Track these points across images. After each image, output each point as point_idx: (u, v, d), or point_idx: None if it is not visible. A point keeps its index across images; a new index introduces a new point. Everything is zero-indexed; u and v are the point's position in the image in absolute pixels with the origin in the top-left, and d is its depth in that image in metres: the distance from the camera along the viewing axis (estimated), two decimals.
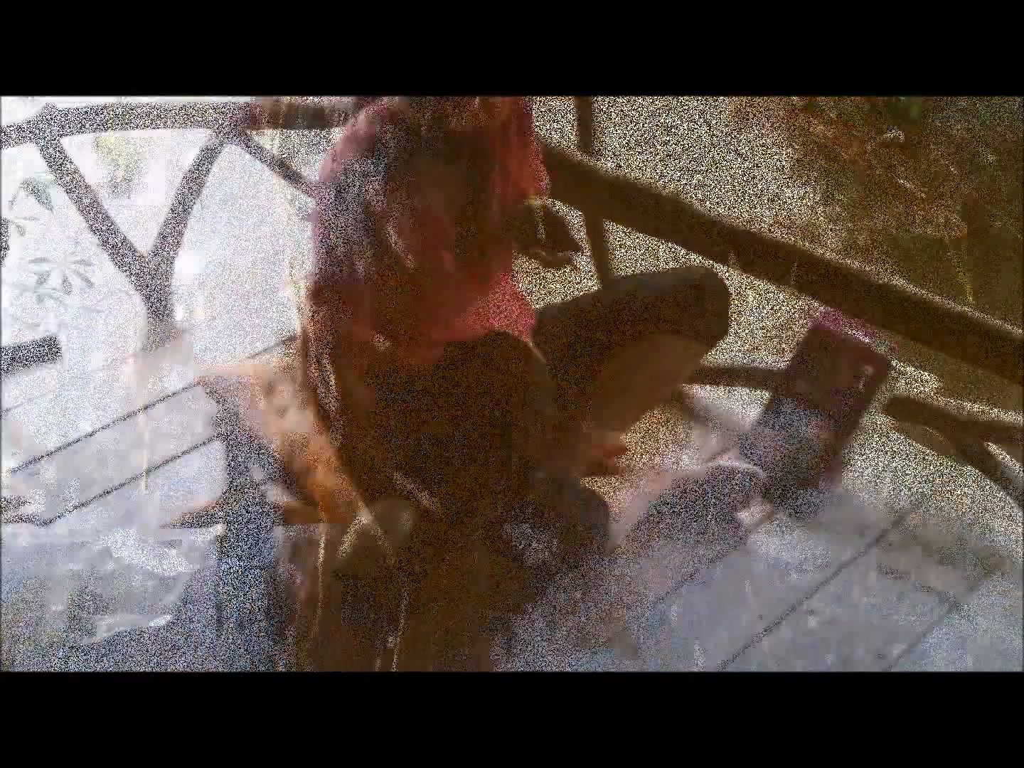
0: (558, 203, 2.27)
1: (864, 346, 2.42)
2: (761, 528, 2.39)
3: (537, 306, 2.47)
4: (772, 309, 2.98)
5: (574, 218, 2.68)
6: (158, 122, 2.78)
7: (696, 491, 2.38)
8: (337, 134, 2.07)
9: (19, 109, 2.75)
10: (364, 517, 1.95)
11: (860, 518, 2.42)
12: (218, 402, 2.59)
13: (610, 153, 5.54)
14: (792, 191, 5.53)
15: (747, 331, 2.90)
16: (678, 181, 5.15)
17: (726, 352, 2.61)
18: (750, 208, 5.28)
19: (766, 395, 2.53)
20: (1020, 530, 2.38)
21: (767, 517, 2.42)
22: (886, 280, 2.22)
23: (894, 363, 2.40)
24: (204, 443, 2.55)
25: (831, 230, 5.33)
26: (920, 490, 2.50)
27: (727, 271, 2.39)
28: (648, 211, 2.43)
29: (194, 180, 2.81)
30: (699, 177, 5.46)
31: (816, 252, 2.29)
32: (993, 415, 2.35)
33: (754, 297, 2.93)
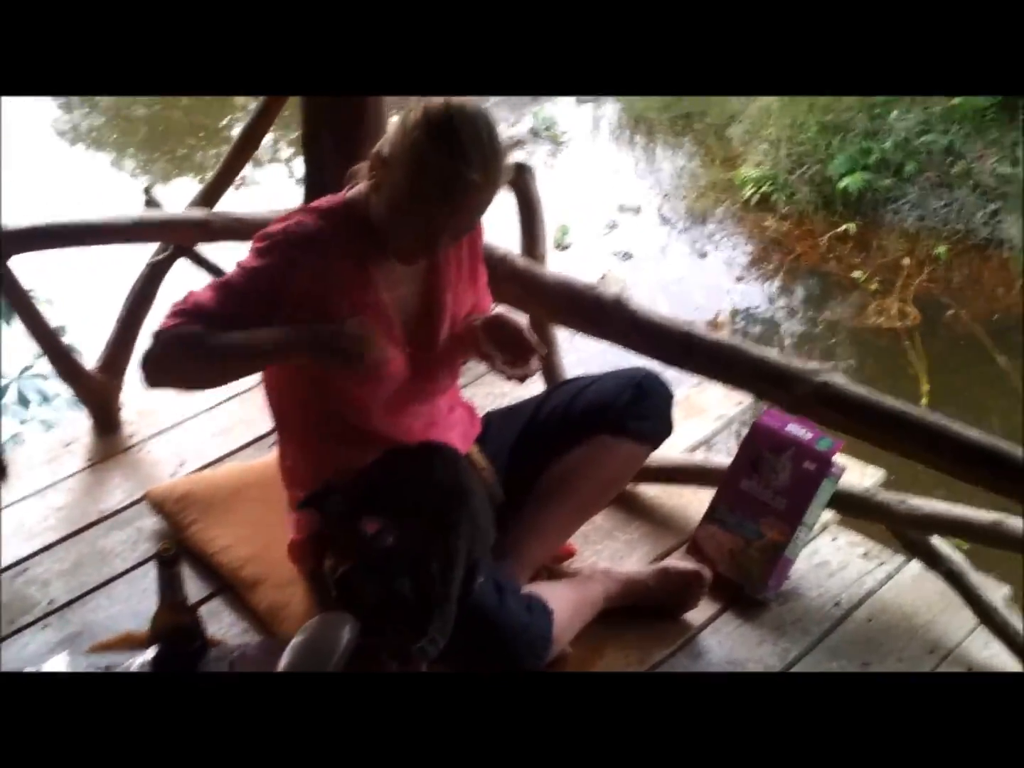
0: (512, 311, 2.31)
1: (806, 443, 2.44)
2: (709, 628, 2.40)
3: (484, 411, 2.51)
4: (716, 407, 3.00)
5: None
6: (109, 238, 2.80)
7: (643, 593, 2.38)
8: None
9: None
10: (303, 633, 1.94)
11: (808, 615, 2.43)
12: (165, 518, 2.59)
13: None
14: (748, 287, 5.64)
15: (690, 429, 2.91)
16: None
17: (670, 450, 2.62)
18: (710, 302, 5.40)
19: (711, 493, 2.55)
20: (969, 624, 2.39)
21: (715, 617, 2.42)
22: (827, 379, 2.24)
23: (836, 459, 2.42)
24: (147, 561, 2.54)
25: (787, 321, 5.42)
26: (866, 585, 2.51)
27: (668, 370, 2.42)
28: (591, 313, 2.46)
29: (142, 294, 2.83)
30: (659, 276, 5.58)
31: (755, 352, 2.31)
32: (935, 508, 2.37)
33: (697, 395, 2.95)
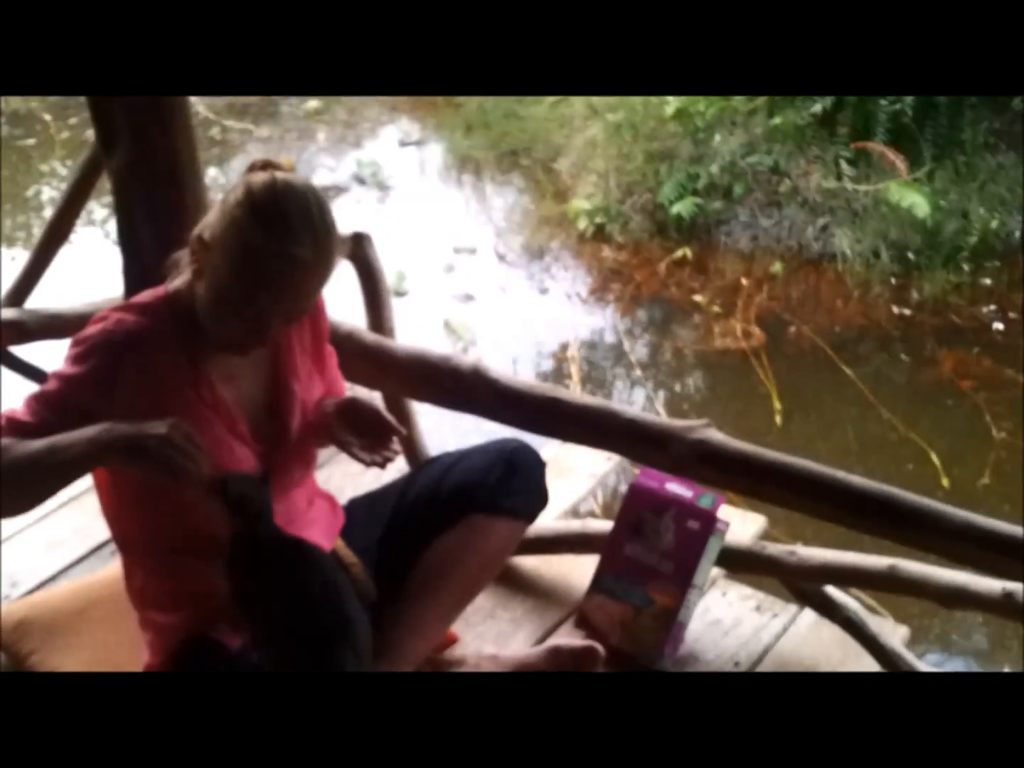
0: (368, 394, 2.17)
1: (688, 501, 2.35)
2: None
3: (345, 499, 2.34)
4: (586, 465, 2.89)
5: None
6: None
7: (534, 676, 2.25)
8: None
9: None
10: None
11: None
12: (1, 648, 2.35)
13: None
14: (592, 318, 5.58)
15: (562, 490, 2.80)
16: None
17: (544, 517, 2.50)
18: (556, 336, 5.33)
19: (593, 559, 2.43)
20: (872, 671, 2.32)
21: None
22: (703, 436, 2.15)
23: (719, 516, 2.33)
24: None
25: (634, 350, 5.38)
26: (763, 641, 2.42)
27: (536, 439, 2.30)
28: (449, 386, 2.33)
29: None
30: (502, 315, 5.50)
31: (627, 413, 2.20)
32: (825, 557, 2.30)
33: (566, 454, 2.82)
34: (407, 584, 2.20)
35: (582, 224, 6.03)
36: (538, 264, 6.01)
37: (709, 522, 2.31)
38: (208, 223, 1.85)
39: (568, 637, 2.35)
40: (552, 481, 2.47)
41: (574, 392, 2.27)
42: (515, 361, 5.13)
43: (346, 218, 6.39)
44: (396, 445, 2.04)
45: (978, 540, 1.93)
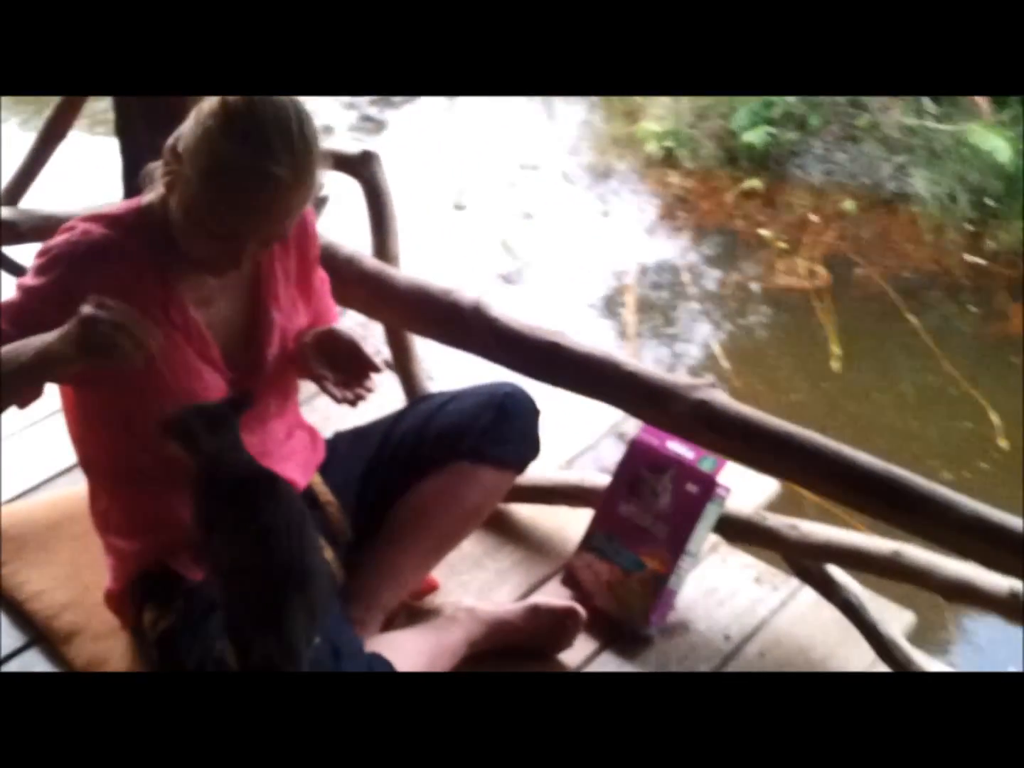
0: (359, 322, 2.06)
1: (688, 462, 2.21)
2: (586, 668, 2.16)
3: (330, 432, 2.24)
4: (588, 422, 2.75)
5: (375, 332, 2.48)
6: None
7: (511, 634, 2.14)
8: None
9: None
10: None
11: (695, 651, 2.21)
12: None
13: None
14: (653, 246, 5.42)
15: (565, 444, 2.67)
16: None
17: (545, 466, 2.38)
18: (615, 262, 5.17)
19: (591, 513, 2.31)
20: (870, 658, 2.18)
21: (592, 656, 2.19)
22: (705, 397, 2.00)
23: (720, 481, 2.19)
24: None
25: (695, 282, 5.22)
26: (758, 614, 2.29)
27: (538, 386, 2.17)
28: (447, 322, 2.21)
29: None
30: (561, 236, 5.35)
31: (628, 366, 2.07)
32: (829, 536, 2.16)
33: (571, 409, 2.67)
34: (385, 527, 2.11)
35: (650, 147, 5.83)
36: (602, 186, 5.83)
37: (708, 487, 2.18)
38: (182, 132, 1.73)
39: (552, 595, 2.24)
40: (557, 428, 2.37)
41: (577, 340, 2.11)
42: (569, 285, 4.98)
43: (411, 126, 6.24)
44: (371, 383, 1.91)
45: (987, 534, 1.79)
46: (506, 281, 5.04)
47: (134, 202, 1.86)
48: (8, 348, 1.70)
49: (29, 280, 1.79)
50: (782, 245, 5.27)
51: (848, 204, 5.39)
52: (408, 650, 2.00)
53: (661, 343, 4.75)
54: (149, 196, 1.85)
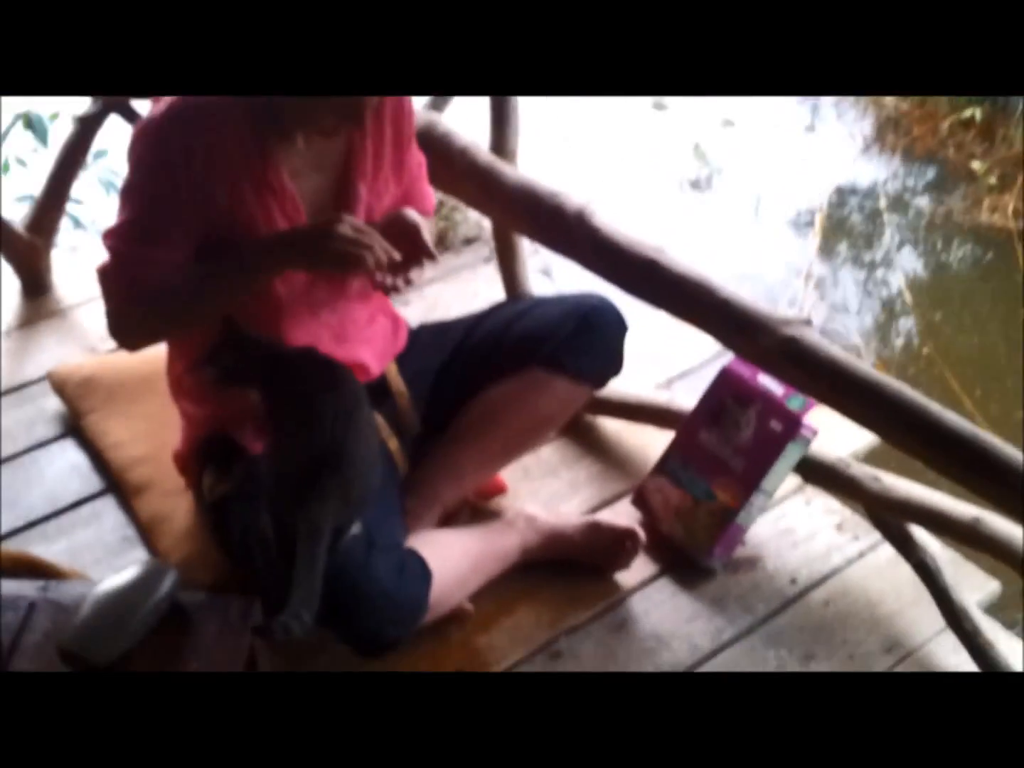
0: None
1: (776, 398, 2.11)
2: (639, 593, 2.12)
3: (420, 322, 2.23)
4: (693, 345, 2.65)
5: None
6: None
7: (567, 548, 2.12)
8: None
9: None
10: (114, 579, 1.71)
11: (756, 591, 2.14)
12: (64, 402, 2.39)
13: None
14: (856, 168, 5.18)
15: (656, 364, 2.59)
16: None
17: (638, 383, 2.32)
18: (814, 182, 4.98)
19: (670, 436, 2.25)
20: (940, 623, 2.07)
21: (649, 580, 2.14)
22: (795, 333, 1.90)
23: (807, 422, 2.09)
24: (45, 443, 2.36)
25: (893, 207, 4.98)
26: (832, 562, 2.20)
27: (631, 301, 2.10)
28: (549, 225, 2.15)
29: (72, 150, 2.58)
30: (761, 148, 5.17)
31: (723, 292, 1.97)
32: (911, 492, 2.03)
33: (677, 330, 2.58)
34: (453, 425, 2.10)
35: None
36: (810, 99, 5.59)
37: (793, 425, 2.08)
38: None
39: (621, 515, 2.20)
40: (660, 347, 2.30)
41: (675, 259, 2.01)
42: (759, 199, 4.82)
43: None
44: (417, 274, 1.86)
45: None
46: (693, 187, 4.92)
47: None
48: (197, 273, 1.80)
49: (139, 162, 1.80)
50: (992, 181, 4.96)
51: None
52: (455, 550, 2.00)
53: (849, 270, 4.58)
54: None
